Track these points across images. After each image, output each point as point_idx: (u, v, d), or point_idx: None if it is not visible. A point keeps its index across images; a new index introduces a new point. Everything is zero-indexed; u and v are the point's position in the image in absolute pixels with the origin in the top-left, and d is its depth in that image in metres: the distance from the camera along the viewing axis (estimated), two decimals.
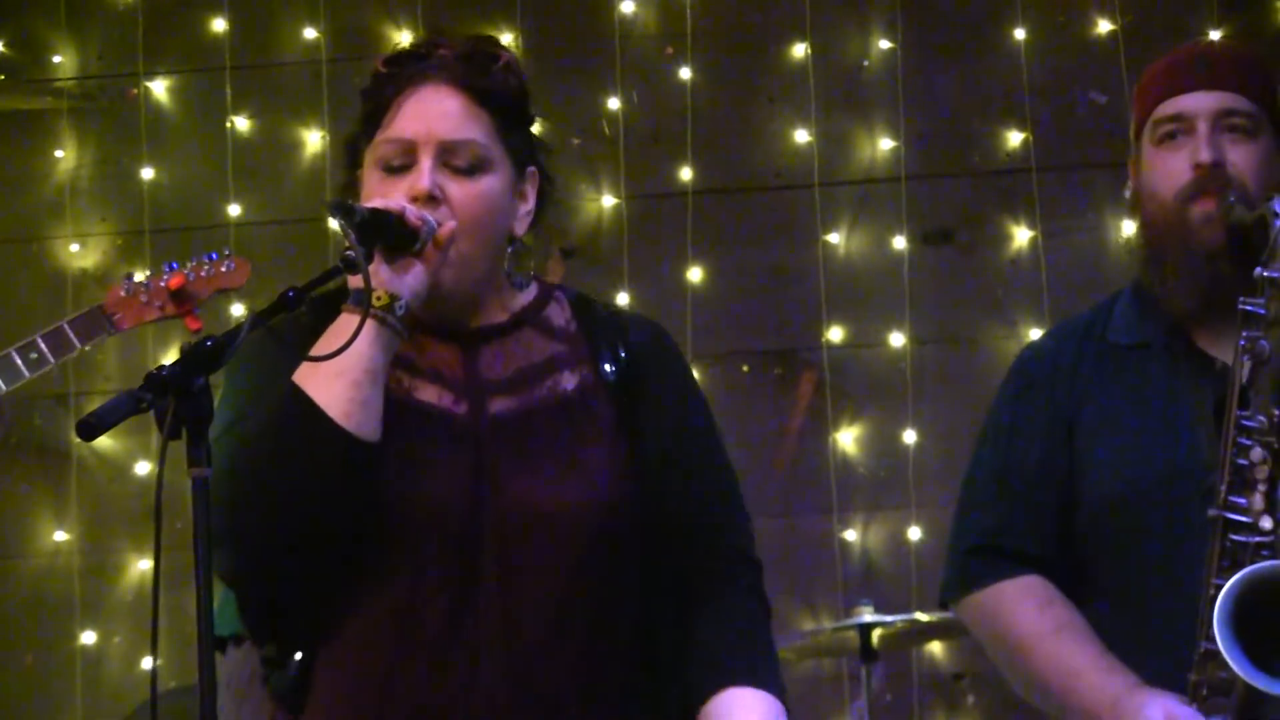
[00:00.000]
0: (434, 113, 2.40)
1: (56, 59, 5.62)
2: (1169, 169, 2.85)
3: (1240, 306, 2.70)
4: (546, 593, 2.34)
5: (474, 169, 2.40)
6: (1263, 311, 2.69)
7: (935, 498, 5.19)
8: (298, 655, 2.35)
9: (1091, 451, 2.86)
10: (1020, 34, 5.44)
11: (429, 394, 2.41)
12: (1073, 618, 2.82)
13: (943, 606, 3.03)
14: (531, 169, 2.50)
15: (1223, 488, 2.68)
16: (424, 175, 2.37)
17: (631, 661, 2.41)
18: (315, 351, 2.25)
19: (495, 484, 2.35)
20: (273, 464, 2.26)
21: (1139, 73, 3.04)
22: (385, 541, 2.32)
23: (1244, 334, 2.70)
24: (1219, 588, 2.62)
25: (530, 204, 2.49)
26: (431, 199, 2.36)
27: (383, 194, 2.37)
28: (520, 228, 2.48)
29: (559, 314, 2.52)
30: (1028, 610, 2.83)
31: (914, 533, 5.28)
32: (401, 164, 2.39)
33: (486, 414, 2.40)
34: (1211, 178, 2.81)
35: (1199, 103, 2.85)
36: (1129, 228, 5.30)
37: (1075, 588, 2.86)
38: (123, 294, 4.06)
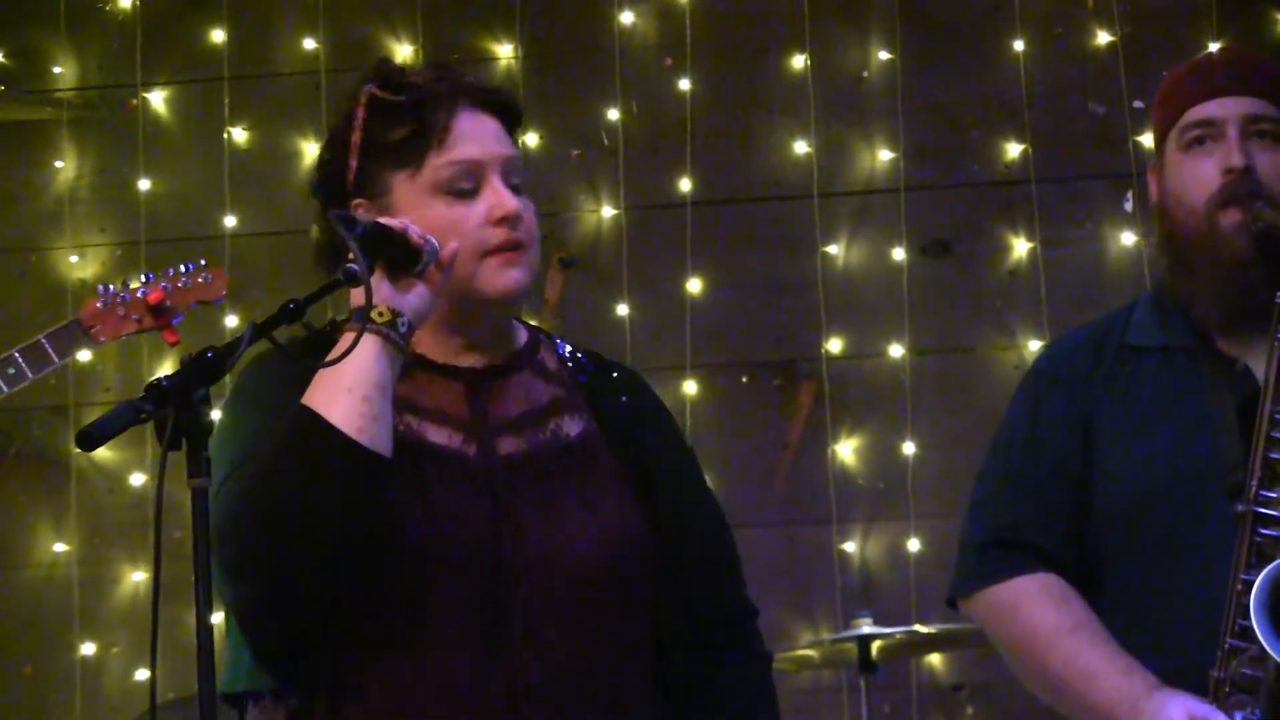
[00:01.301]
0: (488, 133, 2.41)
1: (56, 69, 5.62)
2: (1198, 175, 2.84)
3: (1279, 300, 2.70)
4: (574, 636, 2.32)
5: (520, 186, 2.42)
6: None
7: (934, 509, 5.19)
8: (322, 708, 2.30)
9: (1109, 452, 2.85)
10: (1019, 45, 5.44)
11: (439, 436, 2.38)
12: (1089, 617, 2.80)
13: (950, 605, 2.99)
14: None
15: (1253, 483, 2.67)
16: (508, 196, 2.37)
17: (655, 705, 2.41)
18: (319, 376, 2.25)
19: (516, 528, 2.33)
20: (290, 485, 2.21)
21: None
22: (409, 586, 2.29)
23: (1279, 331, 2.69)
24: (1247, 583, 2.61)
25: None
26: (519, 218, 2.37)
27: (457, 220, 2.34)
28: None
29: (550, 358, 2.52)
30: (1044, 607, 2.82)
31: (913, 544, 5.27)
32: (469, 187, 2.37)
33: (497, 455, 2.38)
34: (1242, 182, 2.80)
35: (1227, 108, 2.85)
36: (1128, 238, 5.31)
37: (1083, 592, 2.85)
38: (99, 306, 3.98)
